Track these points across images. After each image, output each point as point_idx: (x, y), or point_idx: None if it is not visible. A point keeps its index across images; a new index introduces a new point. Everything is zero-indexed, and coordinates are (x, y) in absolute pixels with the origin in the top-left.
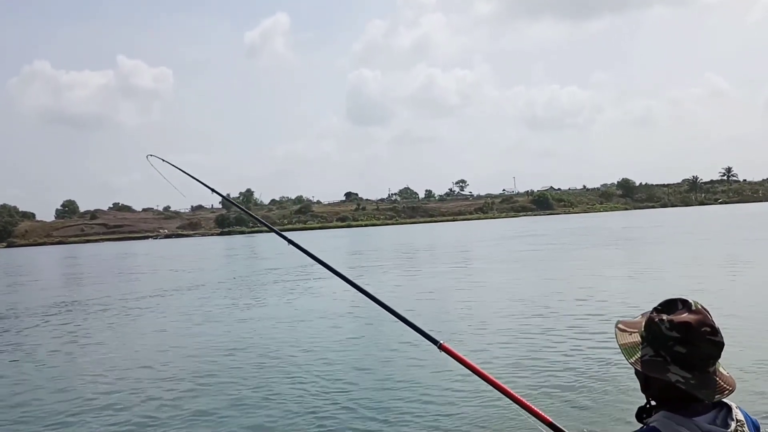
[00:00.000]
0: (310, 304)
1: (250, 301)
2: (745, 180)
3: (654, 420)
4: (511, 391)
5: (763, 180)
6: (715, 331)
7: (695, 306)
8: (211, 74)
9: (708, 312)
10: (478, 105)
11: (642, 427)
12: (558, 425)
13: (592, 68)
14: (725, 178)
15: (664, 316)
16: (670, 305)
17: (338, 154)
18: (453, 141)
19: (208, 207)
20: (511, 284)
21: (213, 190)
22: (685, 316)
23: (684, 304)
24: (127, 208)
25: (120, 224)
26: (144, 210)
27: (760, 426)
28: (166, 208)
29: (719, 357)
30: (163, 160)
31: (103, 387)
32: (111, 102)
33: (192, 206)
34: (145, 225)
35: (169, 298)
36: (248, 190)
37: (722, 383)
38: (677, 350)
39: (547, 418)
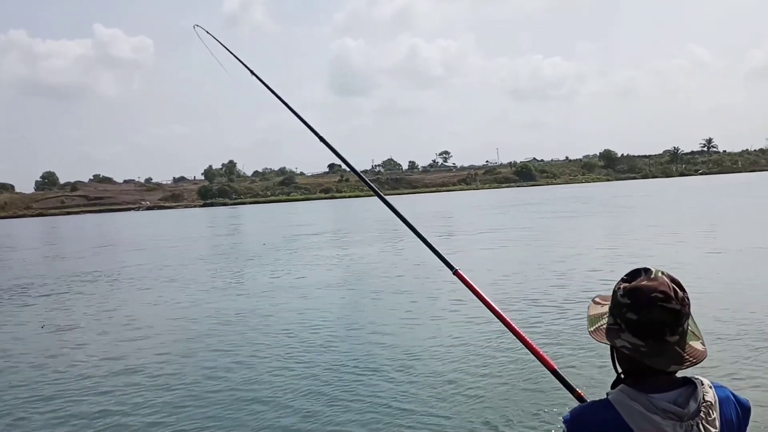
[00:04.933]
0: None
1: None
2: (725, 151)
3: (612, 392)
4: (517, 328)
5: (743, 151)
6: (668, 298)
7: (655, 274)
8: (192, 44)
9: (672, 281)
10: (462, 76)
11: (600, 399)
12: (561, 373)
13: (575, 39)
14: (705, 149)
15: (622, 284)
16: (634, 274)
17: (321, 125)
18: (436, 112)
19: (190, 178)
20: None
21: (253, 73)
22: (636, 283)
23: (645, 273)
24: (108, 180)
25: (101, 196)
26: (125, 182)
27: (751, 406)
28: (148, 180)
29: (677, 325)
30: (208, 32)
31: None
32: (90, 72)
33: (174, 178)
34: (127, 197)
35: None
36: (231, 162)
37: (683, 354)
38: (629, 317)
39: (552, 364)
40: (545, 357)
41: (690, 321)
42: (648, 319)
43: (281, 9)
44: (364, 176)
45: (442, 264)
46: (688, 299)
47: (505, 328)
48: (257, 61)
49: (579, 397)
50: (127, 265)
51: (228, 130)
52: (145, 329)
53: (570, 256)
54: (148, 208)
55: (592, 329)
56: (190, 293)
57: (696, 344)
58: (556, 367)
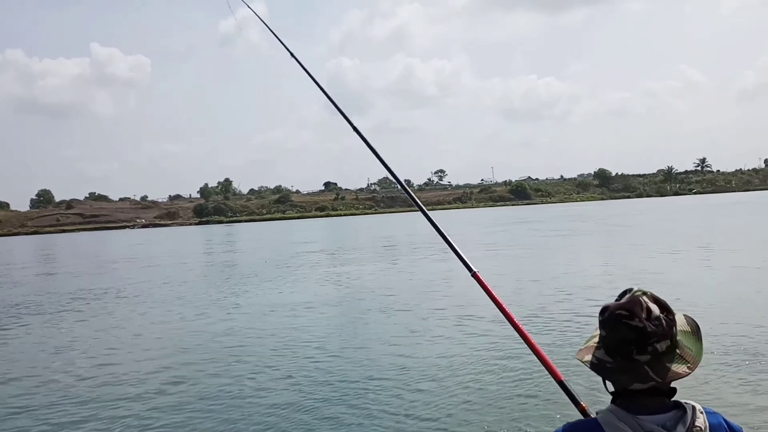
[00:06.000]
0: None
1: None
2: (718, 170)
3: (601, 412)
4: (528, 335)
5: (736, 171)
6: (633, 316)
7: (633, 293)
8: (188, 63)
9: (653, 300)
10: (457, 95)
11: (590, 418)
12: (567, 385)
13: (568, 60)
14: (699, 168)
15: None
16: (623, 294)
17: (317, 144)
18: (432, 131)
19: (186, 196)
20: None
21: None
22: (612, 302)
23: (628, 292)
24: (104, 198)
25: (96, 214)
26: (121, 199)
27: None
28: (143, 198)
29: (643, 344)
30: (248, 6)
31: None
32: (86, 90)
33: (170, 196)
34: (122, 215)
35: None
36: (227, 180)
37: (650, 373)
38: (601, 333)
39: (559, 375)
40: (553, 367)
41: (676, 342)
42: (613, 335)
43: (277, 29)
44: (399, 178)
45: (440, 279)
46: (669, 320)
47: (508, 338)
48: (252, 81)
49: (582, 411)
50: (125, 283)
51: (224, 149)
52: (144, 348)
53: (572, 272)
54: (144, 226)
55: (582, 346)
56: (191, 312)
57: (679, 368)
58: (563, 378)
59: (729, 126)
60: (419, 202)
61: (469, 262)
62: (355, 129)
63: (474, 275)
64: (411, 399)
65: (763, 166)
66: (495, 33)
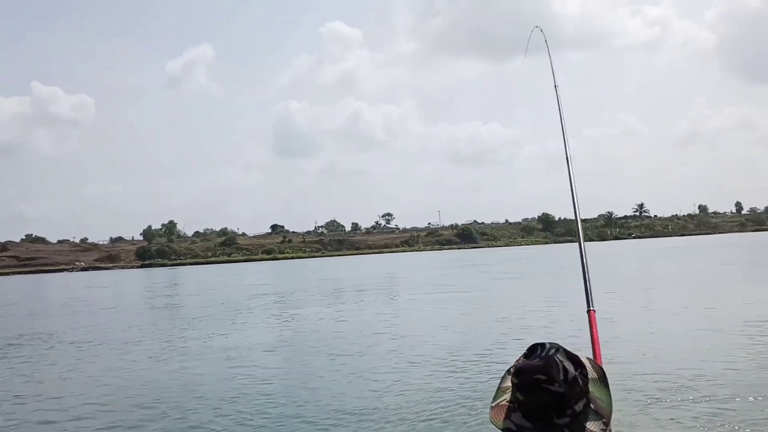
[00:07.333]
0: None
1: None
2: (656, 216)
3: None
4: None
5: (672, 216)
6: (552, 380)
7: (546, 351)
8: (134, 103)
9: (568, 358)
10: (404, 139)
11: None
12: None
13: (513, 106)
14: (638, 213)
15: (517, 361)
16: (532, 349)
17: (264, 186)
18: (379, 174)
19: (128, 239)
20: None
21: None
22: (524, 362)
23: (541, 349)
24: (41, 240)
25: (33, 257)
26: (59, 242)
27: None
28: (84, 240)
29: (563, 407)
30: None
31: None
32: (26, 129)
33: (111, 238)
34: (60, 257)
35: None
36: (171, 222)
37: None
38: (518, 396)
39: None
40: None
41: (590, 398)
42: (531, 400)
43: (224, 71)
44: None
45: (387, 321)
46: (584, 378)
47: (458, 375)
48: (199, 122)
49: None
50: (65, 328)
51: (169, 190)
52: (80, 397)
53: (508, 317)
54: (83, 269)
55: (493, 404)
56: (138, 357)
57: (595, 425)
58: None
59: (665, 173)
60: (581, 237)
61: (591, 299)
62: None
63: (589, 312)
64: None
65: (697, 211)
66: (442, 79)
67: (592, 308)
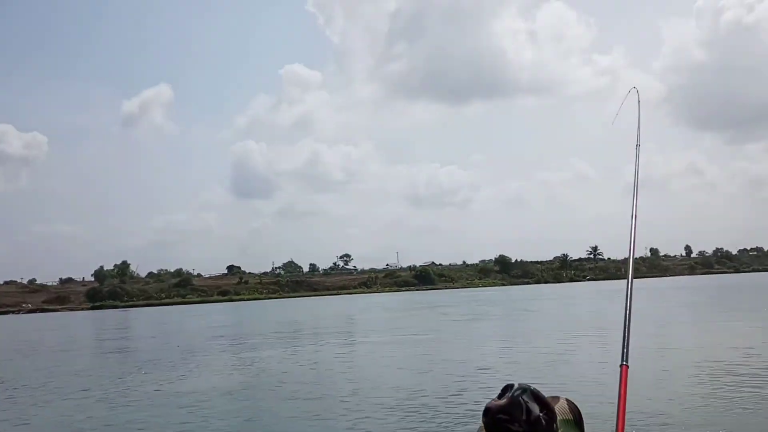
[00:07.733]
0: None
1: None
2: (609, 258)
3: None
4: None
5: (624, 258)
6: (513, 420)
7: (512, 392)
8: (88, 142)
9: (535, 399)
10: (363, 181)
11: None
12: None
13: (469, 149)
14: (592, 256)
15: (489, 402)
16: (504, 389)
17: (220, 227)
18: (337, 215)
19: (78, 280)
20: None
21: None
22: (493, 401)
23: (509, 389)
24: None
25: None
26: (6, 283)
27: None
28: (31, 281)
29: None
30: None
31: None
32: None
33: (60, 279)
34: (7, 299)
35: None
36: (124, 263)
37: None
38: None
39: None
40: None
41: None
42: None
43: (182, 111)
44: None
45: (345, 364)
46: (548, 419)
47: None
48: (155, 162)
49: None
50: (12, 373)
51: (122, 230)
52: None
53: (479, 356)
54: (30, 311)
55: None
56: (89, 402)
57: None
58: None
59: (617, 216)
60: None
61: (627, 352)
62: None
63: (622, 366)
64: None
65: (649, 254)
66: (399, 122)
67: (625, 363)
